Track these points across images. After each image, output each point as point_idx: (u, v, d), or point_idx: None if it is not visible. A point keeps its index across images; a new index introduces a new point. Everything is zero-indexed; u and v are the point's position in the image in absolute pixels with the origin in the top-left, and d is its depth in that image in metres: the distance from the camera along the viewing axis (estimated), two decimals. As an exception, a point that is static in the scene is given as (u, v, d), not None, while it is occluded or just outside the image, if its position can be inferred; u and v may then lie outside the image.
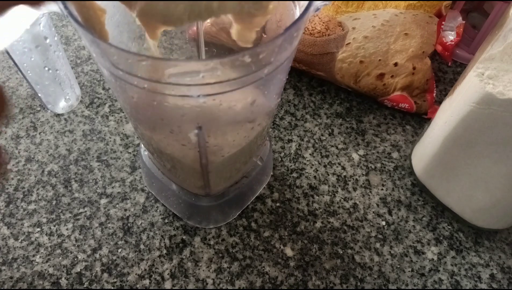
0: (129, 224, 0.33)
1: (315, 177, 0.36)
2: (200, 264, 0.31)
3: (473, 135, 0.29)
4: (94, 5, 0.19)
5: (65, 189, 0.35)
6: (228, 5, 0.17)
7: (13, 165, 0.36)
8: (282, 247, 0.32)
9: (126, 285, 0.30)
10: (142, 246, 0.32)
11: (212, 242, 0.32)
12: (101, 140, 0.38)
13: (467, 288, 0.31)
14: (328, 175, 0.37)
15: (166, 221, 0.33)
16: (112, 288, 0.30)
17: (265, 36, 0.24)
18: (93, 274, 0.30)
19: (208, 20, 0.35)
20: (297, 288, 0.30)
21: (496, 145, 0.28)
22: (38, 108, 0.40)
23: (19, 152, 0.37)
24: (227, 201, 0.32)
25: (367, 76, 0.39)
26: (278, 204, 0.35)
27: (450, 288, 0.31)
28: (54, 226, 0.33)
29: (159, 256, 0.31)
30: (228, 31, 0.35)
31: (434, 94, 0.41)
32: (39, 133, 0.38)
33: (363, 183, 0.36)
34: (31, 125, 0.39)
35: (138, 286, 0.30)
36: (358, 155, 0.38)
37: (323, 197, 0.35)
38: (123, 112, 0.41)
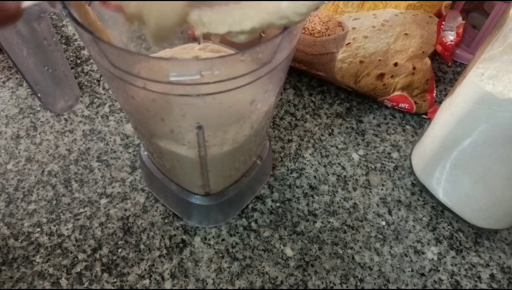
0: (129, 224, 0.33)
1: (315, 177, 0.36)
2: (200, 264, 0.31)
3: (473, 135, 0.29)
4: (105, 31, 0.20)
5: (65, 189, 0.35)
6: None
7: (13, 165, 0.36)
8: (282, 247, 0.32)
9: (126, 285, 0.30)
10: (142, 246, 0.32)
11: (212, 242, 0.32)
12: (101, 140, 0.38)
13: (467, 288, 0.31)
14: (328, 175, 0.37)
15: (166, 221, 0.33)
16: (112, 288, 0.30)
17: (264, 35, 0.24)
18: (93, 274, 0.30)
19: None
20: (297, 288, 0.30)
21: (496, 145, 0.28)
22: (38, 108, 0.40)
23: (19, 152, 0.37)
24: (227, 200, 0.32)
25: (367, 76, 0.39)
26: (278, 204, 0.35)
27: (450, 288, 0.31)
28: (54, 226, 0.33)
29: (159, 256, 0.31)
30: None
31: (434, 94, 0.41)
32: (39, 133, 0.39)
33: (363, 183, 0.36)
34: (31, 125, 0.39)
35: (138, 286, 0.30)
36: (358, 155, 0.38)
37: (323, 197, 0.35)
38: (123, 112, 0.41)
